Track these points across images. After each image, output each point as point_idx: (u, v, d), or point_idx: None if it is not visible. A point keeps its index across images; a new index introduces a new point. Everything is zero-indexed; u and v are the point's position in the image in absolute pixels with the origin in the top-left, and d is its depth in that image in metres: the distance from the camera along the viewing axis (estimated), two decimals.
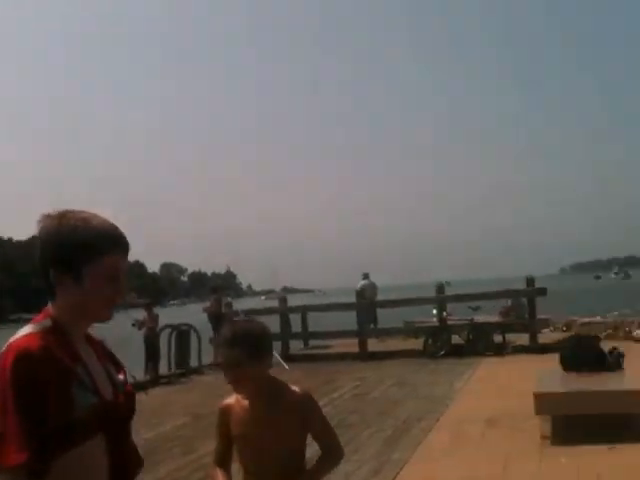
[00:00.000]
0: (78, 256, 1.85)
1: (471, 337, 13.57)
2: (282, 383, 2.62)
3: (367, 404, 9.20)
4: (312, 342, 16.78)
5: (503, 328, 13.84)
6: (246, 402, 2.58)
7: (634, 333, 13.84)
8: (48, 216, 1.89)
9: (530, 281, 13.86)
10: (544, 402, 6.37)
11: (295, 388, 2.61)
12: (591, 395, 6.29)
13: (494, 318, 14.72)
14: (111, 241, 1.89)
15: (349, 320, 15.31)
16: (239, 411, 2.59)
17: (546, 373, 7.48)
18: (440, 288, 14.58)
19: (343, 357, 14.26)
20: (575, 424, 6.35)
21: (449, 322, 14.08)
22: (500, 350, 13.15)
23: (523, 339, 13.68)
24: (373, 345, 15.05)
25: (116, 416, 1.90)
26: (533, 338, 13.35)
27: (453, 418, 7.76)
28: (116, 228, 1.92)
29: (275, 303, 18.10)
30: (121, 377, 2.00)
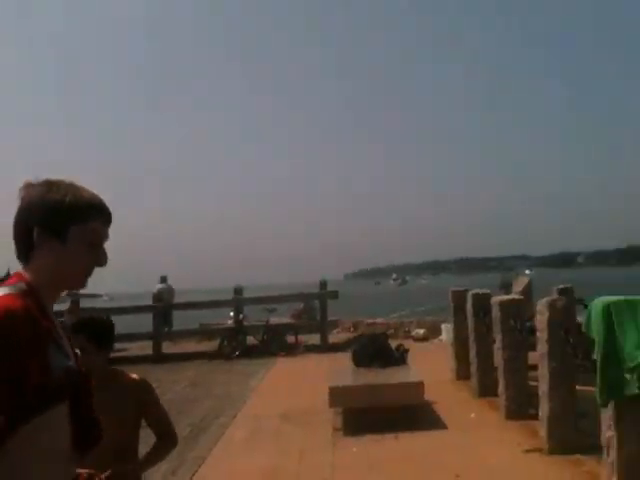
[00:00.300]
0: (66, 220, 1.85)
1: (265, 338, 13.78)
2: (119, 370, 2.70)
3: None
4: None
5: (296, 329, 14.22)
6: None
7: (413, 332, 14.82)
8: (34, 183, 1.89)
9: (323, 285, 14.37)
10: (337, 396, 6.64)
11: (132, 374, 2.71)
12: (379, 388, 6.64)
13: (288, 320, 15.09)
14: (97, 209, 1.91)
15: (145, 323, 14.93)
16: None
17: (339, 369, 7.80)
18: (237, 291, 14.66)
19: (137, 360, 13.86)
20: (364, 416, 6.67)
21: (245, 324, 14.20)
22: (293, 350, 13.47)
23: (314, 339, 14.13)
24: (168, 347, 14.81)
25: (83, 383, 1.86)
26: (324, 338, 13.84)
27: (250, 414, 7.83)
28: (101, 199, 1.93)
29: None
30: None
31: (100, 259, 1.91)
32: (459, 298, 9.33)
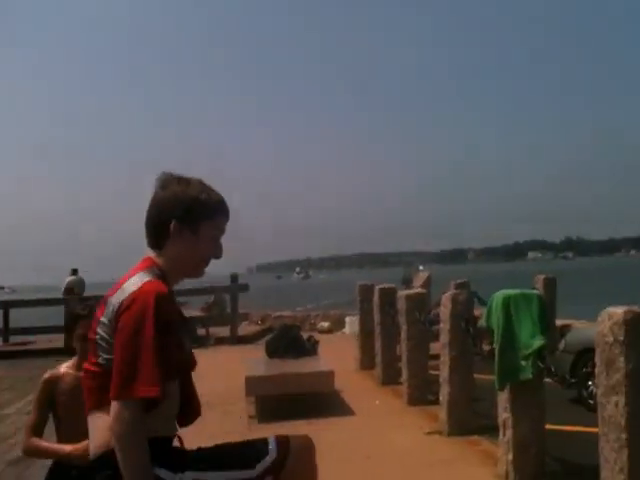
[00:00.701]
0: (200, 216, 2.13)
1: None
2: None
3: None
4: (13, 338, 15.60)
5: (206, 322, 14.24)
6: (74, 372, 2.81)
7: (318, 325, 15.15)
8: (172, 179, 2.17)
9: (234, 278, 14.47)
10: (253, 385, 6.81)
11: None
12: (293, 377, 6.86)
13: (198, 313, 15.09)
14: (223, 208, 2.20)
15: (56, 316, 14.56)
16: (68, 381, 2.84)
17: (254, 360, 7.96)
18: None
19: (47, 353, 13.50)
20: (278, 404, 6.87)
21: None
22: (203, 342, 13.50)
23: (224, 331, 14.21)
24: None
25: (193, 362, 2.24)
26: (234, 331, 13.94)
27: None
28: (224, 198, 2.22)
29: None
30: None
31: (218, 252, 2.22)
32: (366, 292, 9.68)
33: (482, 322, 5.03)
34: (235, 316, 14.24)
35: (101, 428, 2.02)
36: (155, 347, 1.94)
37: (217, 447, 2.27)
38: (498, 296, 4.79)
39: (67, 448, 2.75)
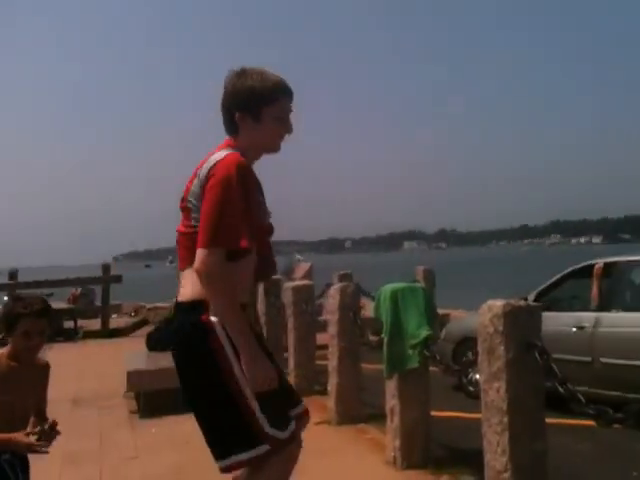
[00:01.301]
0: (259, 103, 2.52)
1: None
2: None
3: None
4: None
5: (74, 313, 13.90)
6: (7, 360, 2.92)
7: None
8: (233, 73, 2.57)
9: (106, 268, 14.18)
10: (136, 379, 6.80)
11: (40, 358, 3.13)
12: (172, 371, 6.88)
13: (65, 304, 14.69)
14: (282, 90, 2.56)
15: None
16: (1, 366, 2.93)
17: (134, 353, 7.93)
18: (12, 275, 13.99)
19: None
20: (160, 398, 6.90)
21: None
22: (71, 335, 13.19)
23: (95, 324, 13.92)
24: None
25: (271, 233, 2.65)
26: (105, 323, 13.68)
27: None
28: (284, 80, 2.59)
29: None
30: None
31: (287, 127, 2.60)
32: None
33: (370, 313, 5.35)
34: (106, 308, 13.97)
35: (192, 282, 2.44)
36: (239, 205, 2.37)
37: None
38: (386, 289, 5.11)
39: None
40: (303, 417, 2.81)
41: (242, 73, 2.57)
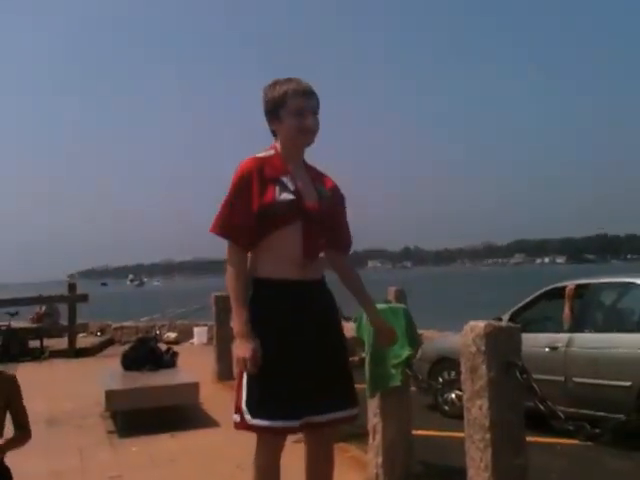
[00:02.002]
0: (277, 108, 3.01)
1: (6, 342, 13.28)
2: None
3: None
4: None
5: (40, 333, 13.84)
6: None
7: (164, 336, 15.19)
8: (266, 86, 3.08)
9: (72, 287, 14.19)
10: (113, 399, 6.91)
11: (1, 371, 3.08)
12: (156, 390, 7.04)
13: (29, 324, 14.63)
14: (292, 92, 2.98)
15: None
16: None
17: (109, 373, 8.03)
18: None
19: None
20: (137, 418, 7.02)
21: None
22: (37, 355, 13.15)
23: (61, 343, 13.87)
24: None
25: (312, 210, 2.99)
26: (72, 343, 13.66)
27: (9, 422, 7.73)
28: (300, 81, 3.04)
29: None
30: (327, 188, 3.14)
31: (304, 121, 3.00)
32: (222, 302, 10.02)
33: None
34: (73, 327, 13.95)
35: None
36: (226, 198, 2.95)
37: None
38: None
39: None
40: (317, 429, 3.08)
41: (269, 85, 3.08)
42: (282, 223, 2.92)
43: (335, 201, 3.18)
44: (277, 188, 2.94)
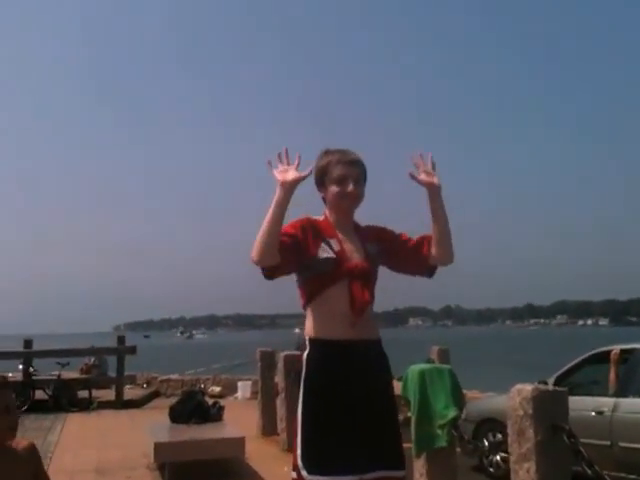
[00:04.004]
0: (322, 177, 3.16)
1: (56, 393, 13.48)
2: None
3: None
4: None
5: (88, 384, 14.03)
6: None
7: (209, 390, 15.24)
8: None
9: (121, 339, 14.43)
10: (163, 451, 6.98)
11: (20, 439, 2.70)
12: (203, 443, 7.10)
13: (78, 374, 14.87)
14: (335, 161, 3.12)
15: None
16: None
17: (158, 425, 8.11)
18: (28, 343, 14.27)
19: None
20: (186, 470, 7.08)
21: (34, 377, 13.79)
22: (86, 406, 13.31)
23: (108, 395, 14.04)
24: None
25: (356, 268, 3.04)
26: (119, 394, 13.81)
27: (61, 470, 7.82)
28: (347, 152, 3.18)
29: None
30: (375, 242, 3.20)
31: (344, 188, 3.10)
32: (267, 358, 10.12)
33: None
34: (120, 379, 14.12)
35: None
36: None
37: None
38: (414, 369, 5.38)
39: None
40: None
41: (320, 154, 3.22)
42: (328, 282, 3.02)
43: (384, 247, 3.22)
44: (322, 246, 3.06)
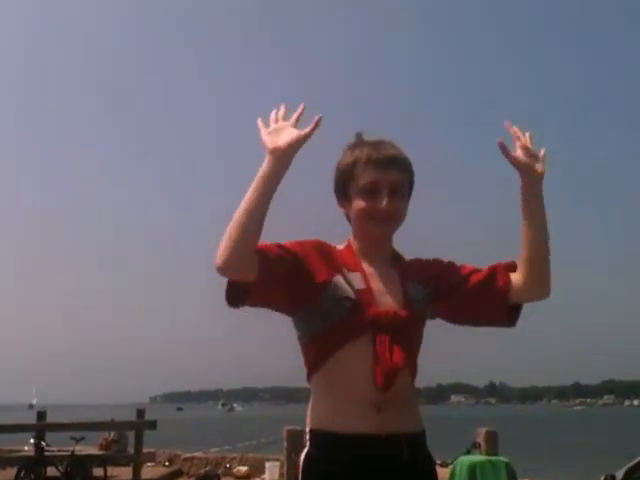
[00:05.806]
0: (345, 182, 1.99)
1: (69, 470, 12.59)
2: None
3: None
4: None
5: (105, 461, 13.14)
6: None
7: (235, 470, 14.23)
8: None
9: (140, 413, 13.53)
10: None
11: None
12: None
13: (95, 449, 13.97)
14: (364, 160, 1.95)
15: None
16: None
17: None
18: (41, 415, 13.48)
19: None
20: None
21: (46, 453, 12.94)
22: None
23: (126, 473, 13.11)
24: None
25: (386, 317, 1.87)
26: (137, 473, 12.86)
27: None
28: (381, 145, 1.97)
29: None
30: (423, 284, 2.01)
31: (375, 202, 1.93)
32: (294, 437, 9.13)
33: None
34: (139, 456, 13.17)
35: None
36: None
37: None
38: (464, 461, 4.51)
39: None
40: None
41: (345, 148, 2.07)
42: (343, 336, 1.87)
43: (436, 289, 2.05)
44: (337, 279, 1.91)
